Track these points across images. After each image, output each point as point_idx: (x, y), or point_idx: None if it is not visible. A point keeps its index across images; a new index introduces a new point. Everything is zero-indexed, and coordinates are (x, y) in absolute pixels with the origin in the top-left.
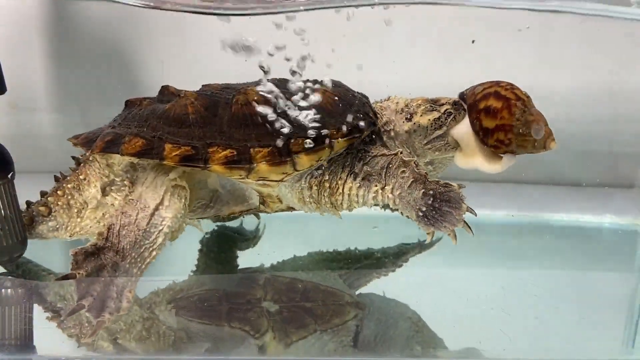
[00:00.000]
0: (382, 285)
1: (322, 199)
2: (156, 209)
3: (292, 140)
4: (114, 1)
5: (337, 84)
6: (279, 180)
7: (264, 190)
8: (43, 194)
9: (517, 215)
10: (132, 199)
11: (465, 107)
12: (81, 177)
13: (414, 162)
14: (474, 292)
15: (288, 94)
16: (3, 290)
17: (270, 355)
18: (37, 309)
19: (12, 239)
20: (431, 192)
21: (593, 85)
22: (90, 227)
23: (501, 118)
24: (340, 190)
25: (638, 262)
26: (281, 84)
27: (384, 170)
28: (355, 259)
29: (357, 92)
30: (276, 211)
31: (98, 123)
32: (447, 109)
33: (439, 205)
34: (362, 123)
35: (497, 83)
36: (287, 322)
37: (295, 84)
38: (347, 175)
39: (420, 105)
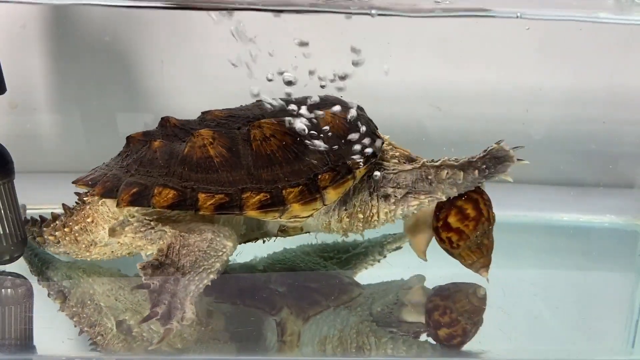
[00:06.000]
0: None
1: (352, 227)
2: (215, 235)
3: (320, 176)
4: (116, 6)
5: (339, 102)
6: (309, 216)
7: (292, 224)
8: (47, 222)
9: (517, 216)
10: (184, 232)
11: None
12: (88, 219)
13: (445, 160)
14: (474, 292)
15: (300, 121)
16: (3, 290)
17: (290, 330)
18: (37, 309)
19: (12, 239)
20: (480, 164)
21: (593, 85)
22: (100, 257)
23: (466, 225)
24: (376, 217)
25: (638, 262)
26: (285, 107)
27: (420, 182)
28: (343, 250)
29: (354, 104)
30: (290, 236)
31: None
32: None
33: (494, 166)
34: (376, 145)
35: (481, 193)
36: (299, 300)
37: (302, 109)
38: (378, 201)
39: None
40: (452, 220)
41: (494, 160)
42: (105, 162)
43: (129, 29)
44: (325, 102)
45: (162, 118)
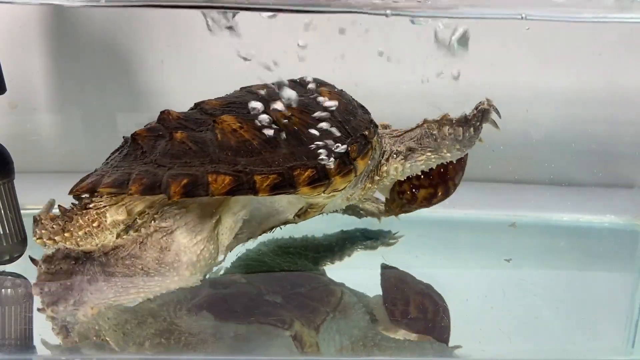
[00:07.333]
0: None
1: (369, 191)
2: (177, 258)
3: (349, 148)
4: (114, 6)
5: (323, 82)
6: (343, 189)
7: (326, 201)
8: (43, 224)
9: (517, 216)
10: (161, 233)
11: None
12: (94, 224)
13: (445, 115)
14: (474, 292)
15: (308, 101)
16: (3, 290)
17: (307, 342)
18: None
19: (12, 239)
20: (475, 122)
21: (593, 85)
22: None
23: (435, 196)
24: (385, 175)
25: (638, 262)
26: (286, 89)
27: (426, 139)
28: (313, 248)
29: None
30: (306, 219)
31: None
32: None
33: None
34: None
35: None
36: (301, 309)
37: (307, 87)
38: (389, 159)
39: None
40: (441, 191)
41: (483, 114)
42: (108, 164)
43: (129, 29)
44: (315, 83)
45: (161, 112)
